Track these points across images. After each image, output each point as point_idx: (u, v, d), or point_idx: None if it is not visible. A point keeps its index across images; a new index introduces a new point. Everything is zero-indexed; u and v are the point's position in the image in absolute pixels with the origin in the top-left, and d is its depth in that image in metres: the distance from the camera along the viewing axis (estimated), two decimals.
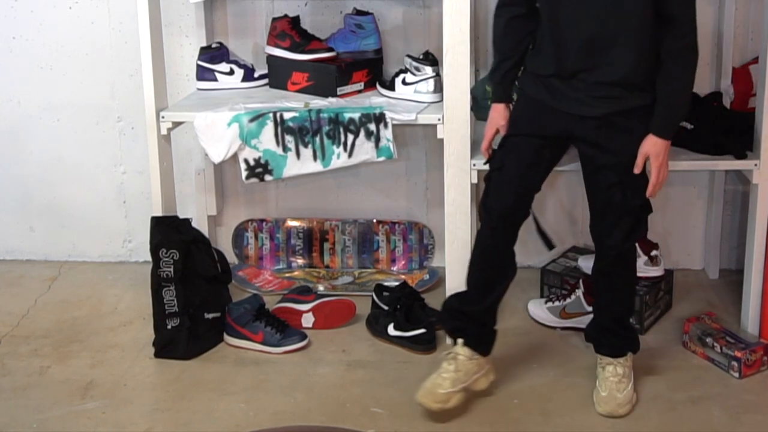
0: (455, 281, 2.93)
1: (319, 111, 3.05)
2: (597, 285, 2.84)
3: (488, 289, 2.74)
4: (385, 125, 3.05)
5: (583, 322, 3.06)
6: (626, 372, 2.74)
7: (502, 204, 2.65)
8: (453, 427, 2.65)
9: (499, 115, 2.73)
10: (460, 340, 2.71)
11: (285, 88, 3.34)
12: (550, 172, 2.71)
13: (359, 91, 3.27)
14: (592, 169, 2.63)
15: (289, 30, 3.32)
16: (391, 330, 3.11)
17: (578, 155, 2.68)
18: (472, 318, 2.73)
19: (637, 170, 2.56)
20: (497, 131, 2.73)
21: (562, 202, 3.59)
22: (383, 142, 3.06)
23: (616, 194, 2.58)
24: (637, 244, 3.21)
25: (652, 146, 2.54)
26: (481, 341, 2.74)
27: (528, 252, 3.66)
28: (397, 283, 3.28)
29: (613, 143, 2.56)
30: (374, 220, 3.65)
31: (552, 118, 2.59)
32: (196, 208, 3.63)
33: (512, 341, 3.12)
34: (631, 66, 2.50)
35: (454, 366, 2.66)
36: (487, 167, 2.76)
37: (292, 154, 3.07)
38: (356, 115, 3.04)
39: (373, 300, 3.24)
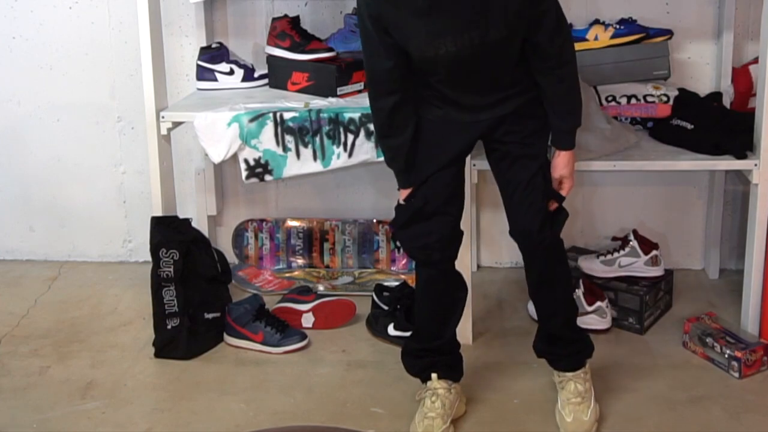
0: None
1: (319, 111, 3.05)
2: (538, 293, 2.71)
3: (445, 320, 2.69)
4: None
5: (583, 321, 3.06)
6: (587, 387, 2.66)
7: (441, 236, 2.57)
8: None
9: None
10: (434, 375, 2.64)
11: (285, 88, 3.34)
12: None
13: (359, 91, 3.27)
14: (509, 163, 2.55)
15: (289, 30, 3.32)
16: (391, 330, 3.11)
17: (486, 153, 2.63)
18: (439, 351, 2.67)
19: (564, 193, 2.57)
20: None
21: None
22: None
23: (539, 182, 2.53)
24: (637, 245, 3.22)
25: (565, 166, 2.55)
26: (454, 368, 2.69)
27: None
28: (397, 283, 3.27)
29: (528, 132, 2.52)
30: (374, 220, 3.65)
31: (464, 131, 2.52)
32: (196, 208, 3.63)
33: (512, 341, 3.12)
34: (521, 81, 2.48)
35: (439, 402, 2.60)
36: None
37: (292, 154, 3.06)
38: (356, 115, 3.04)
39: (373, 300, 3.24)
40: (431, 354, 2.67)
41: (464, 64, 2.36)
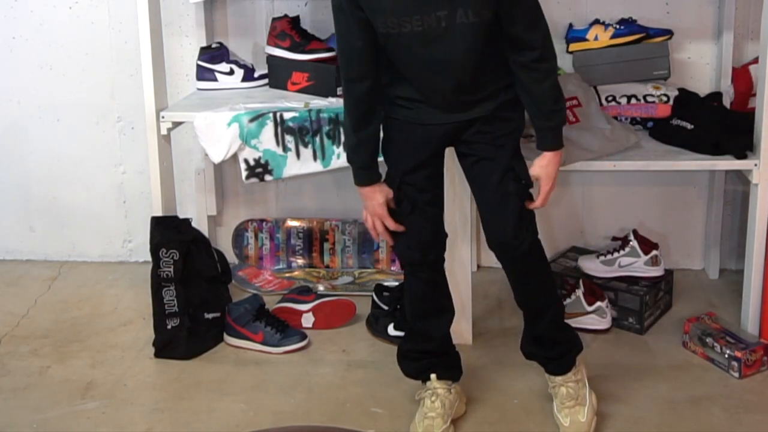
0: (455, 280, 2.92)
1: (319, 111, 3.05)
2: (522, 296, 2.63)
3: (434, 323, 2.65)
4: None
5: (583, 322, 3.07)
6: (580, 388, 2.62)
7: (420, 238, 2.52)
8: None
9: (380, 193, 2.49)
10: (433, 375, 2.62)
11: (285, 88, 3.34)
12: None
13: None
14: (479, 166, 2.48)
15: (289, 30, 3.32)
16: (391, 330, 3.11)
17: (457, 157, 2.56)
18: (434, 353, 2.65)
19: (539, 200, 2.47)
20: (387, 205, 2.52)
21: (561, 203, 3.59)
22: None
23: (511, 184, 2.44)
24: (637, 245, 3.22)
25: (545, 166, 2.45)
26: (452, 368, 2.67)
27: None
28: (397, 283, 3.27)
29: (499, 134, 2.44)
30: None
31: (435, 133, 2.45)
32: (196, 208, 3.63)
33: (512, 341, 3.11)
34: (494, 81, 2.41)
35: (438, 402, 2.59)
36: None
37: (292, 154, 3.07)
38: None
39: (373, 300, 3.24)
40: (427, 356, 2.66)
41: (430, 48, 2.29)
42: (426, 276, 2.61)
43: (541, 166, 2.47)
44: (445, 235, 2.62)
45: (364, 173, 2.49)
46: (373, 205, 2.51)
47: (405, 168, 2.48)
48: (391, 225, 2.52)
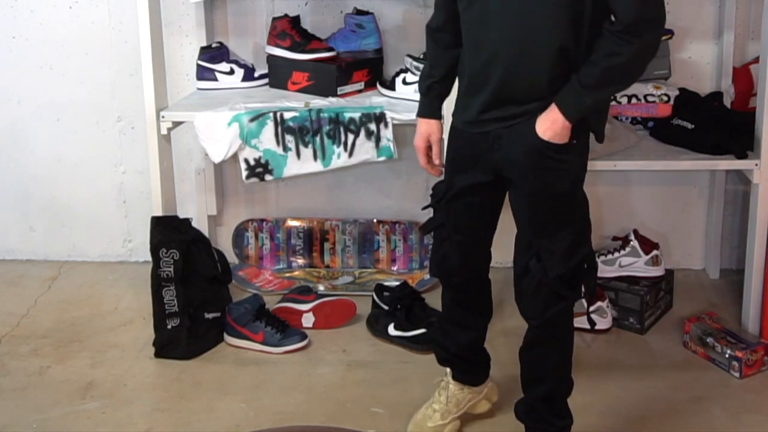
0: None
1: (319, 111, 3.05)
2: (521, 356, 2.46)
3: (460, 335, 2.54)
4: (386, 125, 3.05)
5: (584, 322, 3.06)
6: None
7: (456, 260, 2.42)
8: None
9: (426, 127, 2.41)
10: (448, 369, 2.59)
11: (285, 88, 3.34)
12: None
13: (359, 91, 3.27)
14: (521, 232, 2.33)
15: (289, 30, 3.32)
16: (392, 330, 3.11)
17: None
18: (454, 354, 2.57)
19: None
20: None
21: None
22: (383, 142, 3.06)
23: (532, 260, 2.27)
24: (637, 244, 3.21)
25: (540, 125, 2.14)
26: (468, 374, 2.59)
27: None
28: (397, 283, 3.27)
29: (540, 188, 2.24)
30: (374, 220, 3.65)
31: (495, 148, 2.25)
32: (196, 208, 3.63)
33: (513, 341, 3.10)
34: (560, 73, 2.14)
35: (444, 396, 2.56)
36: None
37: (292, 154, 3.07)
38: (357, 115, 3.04)
39: (373, 300, 3.24)
40: (448, 351, 2.58)
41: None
42: (449, 294, 2.54)
43: (540, 122, 2.14)
44: (485, 261, 2.48)
45: (421, 101, 2.42)
46: (416, 135, 2.44)
47: (458, 185, 2.34)
48: (422, 161, 2.44)
